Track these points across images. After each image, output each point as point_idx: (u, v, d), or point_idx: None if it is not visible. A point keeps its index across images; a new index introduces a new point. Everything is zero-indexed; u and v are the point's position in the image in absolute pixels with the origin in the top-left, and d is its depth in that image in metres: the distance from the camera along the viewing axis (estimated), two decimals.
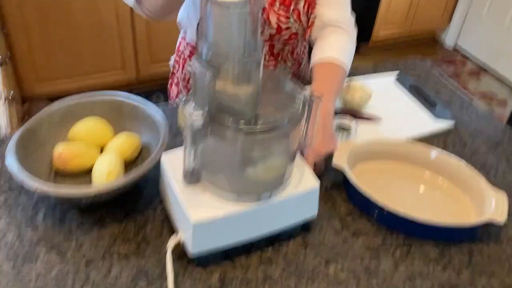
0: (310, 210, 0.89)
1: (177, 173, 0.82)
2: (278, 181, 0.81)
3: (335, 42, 1.16)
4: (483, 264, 0.88)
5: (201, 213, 0.77)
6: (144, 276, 0.81)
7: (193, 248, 0.79)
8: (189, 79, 1.36)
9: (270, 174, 0.80)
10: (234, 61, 0.68)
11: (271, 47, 1.22)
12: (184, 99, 0.74)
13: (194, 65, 0.69)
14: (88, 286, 0.79)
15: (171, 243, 0.81)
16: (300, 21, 1.17)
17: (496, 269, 0.88)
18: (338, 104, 1.26)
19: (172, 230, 0.89)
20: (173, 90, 1.47)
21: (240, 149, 0.77)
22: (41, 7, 2.44)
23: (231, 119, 0.72)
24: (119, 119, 1.05)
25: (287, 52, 1.27)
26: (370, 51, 3.72)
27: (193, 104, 0.72)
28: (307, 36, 1.21)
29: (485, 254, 0.90)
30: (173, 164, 0.85)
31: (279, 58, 1.27)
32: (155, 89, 2.97)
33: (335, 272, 0.84)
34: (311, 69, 1.16)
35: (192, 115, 0.70)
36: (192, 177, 0.80)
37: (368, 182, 0.95)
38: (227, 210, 0.78)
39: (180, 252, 0.84)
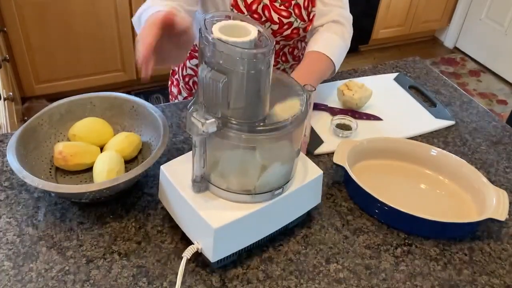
0: (315, 198, 0.91)
1: (183, 183, 0.82)
2: (288, 176, 0.82)
3: (330, 38, 1.18)
4: (483, 263, 0.88)
5: (221, 218, 0.77)
6: (145, 274, 0.81)
7: (214, 255, 0.79)
8: (189, 79, 1.37)
9: (281, 171, 0.80)
10: (244, 62, 0.67)
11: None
12: (192, 107, 0.73)
13: (203, 73, 0.68)
14: (88, 285, 0.79)
15: (188, 253, 0.79)
16: (301, 16, 1.17)
17: (497, 268, 0.88)
18: (339, 104, 1.26)
19: (172, 229, 0.89)
20: (173, 91, 1.47)
21: (251, 150, 0.77)
22: (40, 8, 2.44)
23: (241, 122, 0.71)
24: (119, 118, 1.05)
25: (288, 51, 1.28)
26: (370, 51, 3.72)
27: (204, 111, 0.70)
28: (308, 29, 1.21)
29: (485, 253, 0.90)
30: (175, 174, 0.84)
31: (280, 57, 1.27)
32: (154, 90, 2.97)
33: (335, 271, 0.84)
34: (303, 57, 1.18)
35: (205, 123, 0.68)
36: (201, 184, 0.79)
37: (369, 180, 0.95)
38: (244, 211, 0.78)
39: (180, 251, 0.84)
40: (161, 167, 0.86)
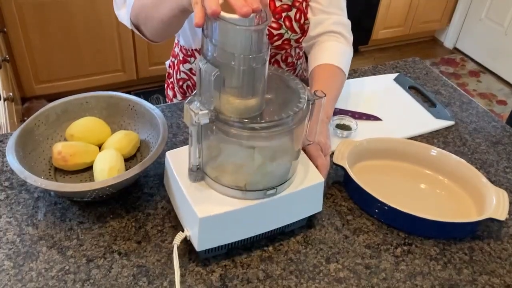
0: (315, 205, 0.90)
1: (182, 171, 0.83)
2: (283, 178, 0.82)
3: (335, 48, 1.15)
4: (483, 262, 0.88)
5: (208, 209, 0.78)
6: (145, 274, 0.81)
7: (200, 244, 0.80)
8: (183, 83, 1.37)
9: (275, 171, 0.80)
10: (240, 59, 0.68)
11: None
12: (189, 97, 0.74)
13: (199, 64, 0.70)
14: (88, 284, 0.79)
15: (177, 240, 0.81)
16: (292, 28, 1.16)
17: (497, 267, 0.88)
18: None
19: (172, 228, 0.89)
20: (169, 93, 1.48)
21: (245, 146, 0.77)
22: (41, 8, 2.44)
23: (236, 116, 0.72)
24: (115, 117, 1.06)
25: (281, 58, 1.27)
26: (370, 51, 3.73)
27: (199, 103, 0.72)
28: (301, 40, 1.20)
29: (485, 253, 0.90)
30: (178, 162, 0.85)
31: (271, 64, 1.26)
32: (154, 90, 2.97)
33: (335, 270, 0.84)
34: (310, 72, 1.14)
35: (198, 113, 0.70)
36: (197, 174, 0.81)
37: (369, 180, 0.95)
38: (233, 206, 0.79)
39: (180, 251, 0.84)
40: (166, 153, 0.88)
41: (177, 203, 0.87)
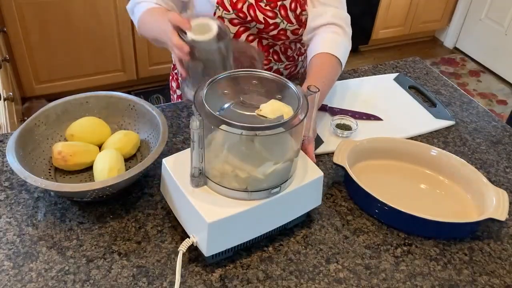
0: (315, 199, 0.90)
1: (182, 177, 0.82)
2: (286, 176, 0.82)
3: (332, 38, 1.16)
4: (483, 263, 0.88)
5: (216, 213, 0.77)
6: (145, 274, 0.81)
7: (209, 250, 0.79)
8: None
9: (278, 170, 0.80)
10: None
11: (260, 41, 1.22)
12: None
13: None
14: (88, 285, 0.79)
15: (183, 247, 0.80)
16: (288, 18, 1.17)
17: (497, 268, 0.88)
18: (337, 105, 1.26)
19: (172, 229, 0.89)
20: (173, 85, 1.49)
21: (248, 147, 0.77)
22: (41, 7, 2.44)
23: (237, 119, 0.72)
24: (115, 117, 1.06)
25: (280, 50, 1.27)
26: (370, 51, 3.72)
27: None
28: (299, 32, 1.20)
29: (485, 253, 0.90)
30: (176, 168, 0.85)
31: (271, 55, 1.26)
32: (154, 90, 2.97)
33: (335, 270, 0.84)
34: (308, 63, 1.16)
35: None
36: (200, 179, 0.80)
37: (369, 180, 0.95)
38: (239, 208, 0.79)
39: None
40: (163, 160, 0.87)
41: (179, 210, 0.86)
